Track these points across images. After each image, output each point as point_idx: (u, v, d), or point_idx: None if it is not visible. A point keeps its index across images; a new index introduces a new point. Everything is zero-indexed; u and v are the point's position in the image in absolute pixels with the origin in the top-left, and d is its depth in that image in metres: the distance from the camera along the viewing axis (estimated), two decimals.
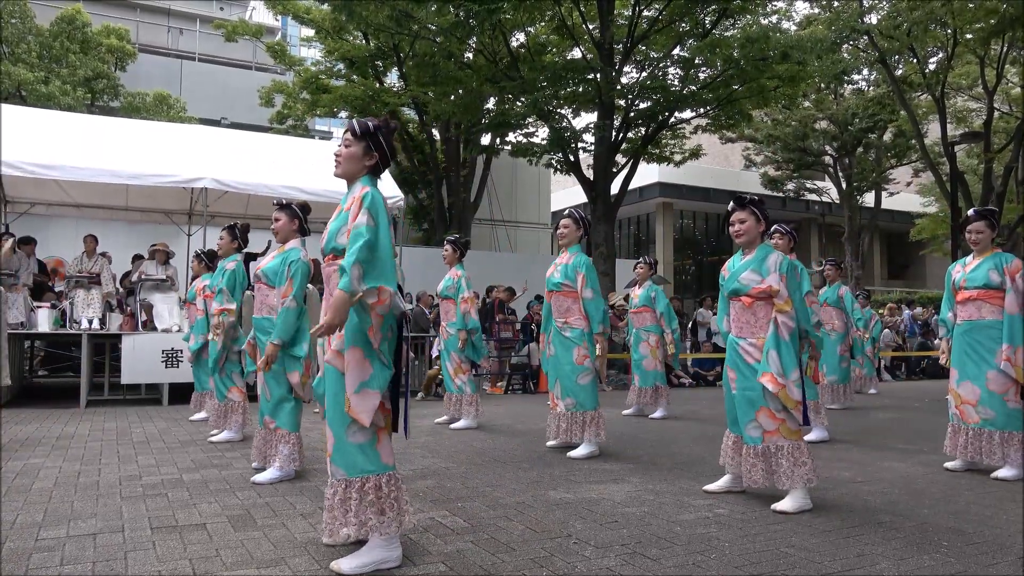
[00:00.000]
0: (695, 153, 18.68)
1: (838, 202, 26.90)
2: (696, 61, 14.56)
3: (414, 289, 12.44)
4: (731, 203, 3.84)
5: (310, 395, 3.72)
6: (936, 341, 5.16)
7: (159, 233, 10.82)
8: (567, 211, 5.35)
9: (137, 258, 10.18)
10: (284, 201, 4.41)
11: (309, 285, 4.34)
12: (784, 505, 3.58)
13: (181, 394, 8.20)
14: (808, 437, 6.04)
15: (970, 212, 4.75)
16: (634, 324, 8.23)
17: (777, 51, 13.61)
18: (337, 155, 2.85)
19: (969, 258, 4.74)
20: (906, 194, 29.42)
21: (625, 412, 7.97)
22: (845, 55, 17.83)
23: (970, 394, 4.55)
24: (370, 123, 2.84)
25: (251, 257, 11.53)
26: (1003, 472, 4.44)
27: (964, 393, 4.59)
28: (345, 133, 2.88)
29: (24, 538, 3.00)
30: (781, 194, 28.71)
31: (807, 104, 24.24)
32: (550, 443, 5.49)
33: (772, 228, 6.15)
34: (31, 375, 10.53)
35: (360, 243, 2.54)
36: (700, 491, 4.01)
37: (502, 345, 11.62)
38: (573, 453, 5.10)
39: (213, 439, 5.61)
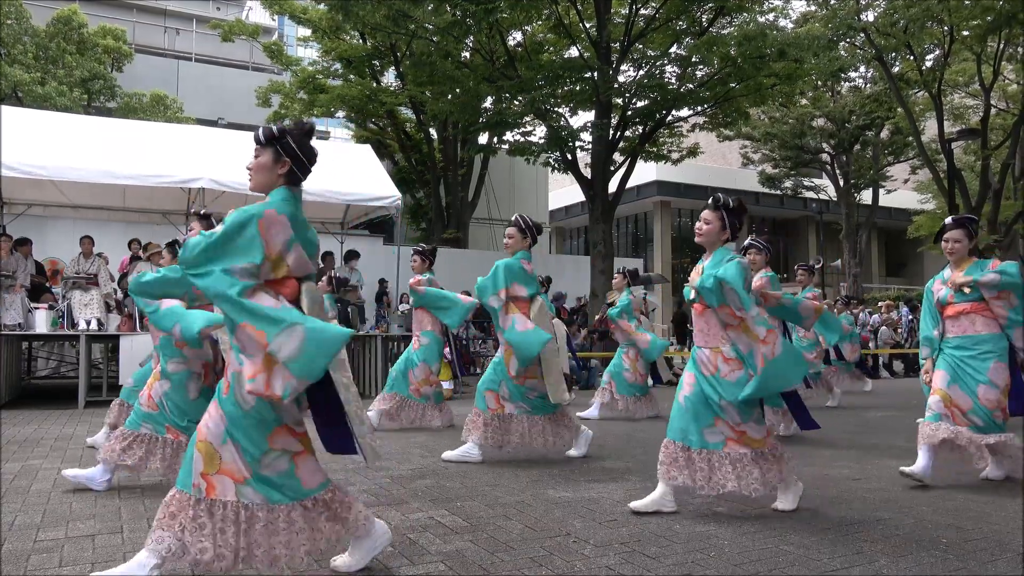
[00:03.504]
0: (693, 151, 18.68)
1: (836, 200, 26.92)
2: (693, 59, 14.56)
3: None
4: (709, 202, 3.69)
5: None
6: (921, 360, 4.81)
7: (156, 234, 10.80)
8: (514, 217, 5.15)
9: (135, 259, 10.17)
10: (202, 211, 4.42)
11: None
12: (782, 504, 3.56)
13: None
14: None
15: (947, 220, 4.50)
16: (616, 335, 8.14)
17: (774, 49, 13.61)
18: (248, 167, 2.62)
19: (947, 272, 4.45)
20: (903, 191, 29.45)
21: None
22: (842, 53, 17.82)
23: (962, 400, 4.23)
24: (275, 127, 2.62)
25: None
26: (991, 472, 4.31)
27: (955, 396, 4.25)
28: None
29: (23, 539, 2.99)
30: (779, 192, 28.73)
31: (804, 102, 24.26)
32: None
33: (747, 243, 6.01)
34: (29, 376, 10.51)
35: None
36: (698, 488, 4.01)
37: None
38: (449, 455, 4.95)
39: None
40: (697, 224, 3.63)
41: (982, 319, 4.28)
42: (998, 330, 4.23)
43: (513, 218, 5.15)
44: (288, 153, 2.57)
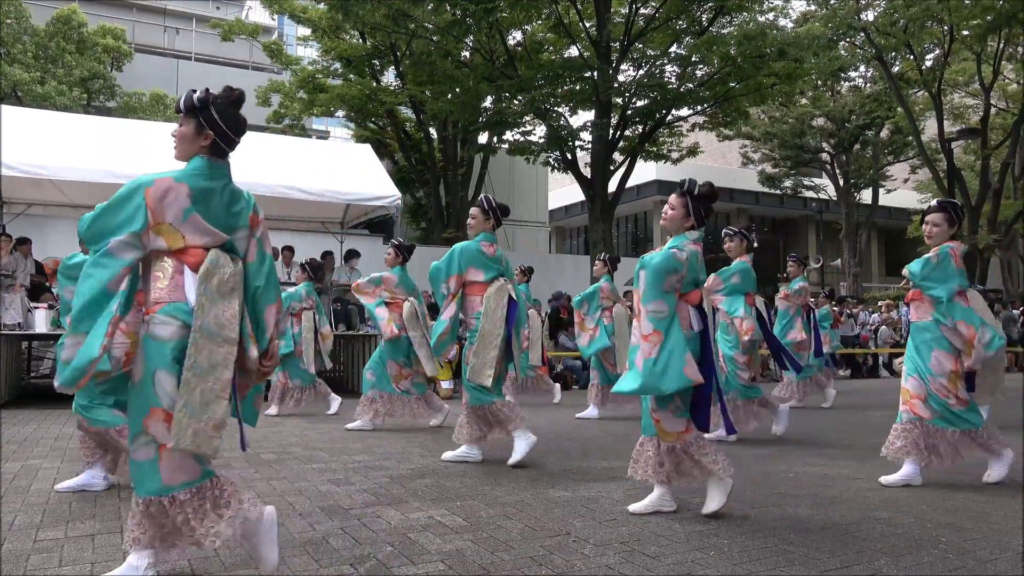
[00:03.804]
0: (692, 151, 18.71)
1: (835, 199, 26.93)
2: (693, 59, 14.58)
3: None
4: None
5: None
6: None
7: None
8: (479, 198, 5.00)
9: None
10: None
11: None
12: (708, 506, 3.42)
13: None
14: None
15: (932, 202, 4.43)
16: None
17: (774, 48, 13.63)
18: (173, 135, 2.54)
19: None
20: (903, 191, 29.45)
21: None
22: (842, 52, 17.86)
23: (918, 388, 4.24)
24: (197, 96, 2.50)
25: None
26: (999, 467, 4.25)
27: (911, 387, 4.27)
28: None
29: (22, 539, 2.99)
30: (778, 191, 28.72)
31: (804, 101, 24.28)
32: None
33: (723, 231, 6.03)
34: (29, 376, 10.51)
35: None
36: (698, 489, 4.00)
37: None
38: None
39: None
40: (664, 208, 3.55)
41: (924, 306, 4.25)
42: (932, 318, 4.20)
43: (480, 198, 5.03)
44: (211, 126, 2.48)
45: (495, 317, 4.66)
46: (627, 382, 3.37)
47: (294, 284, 9.65)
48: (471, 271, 4.77)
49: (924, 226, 4.31)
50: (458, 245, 4.85)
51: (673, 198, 3.51)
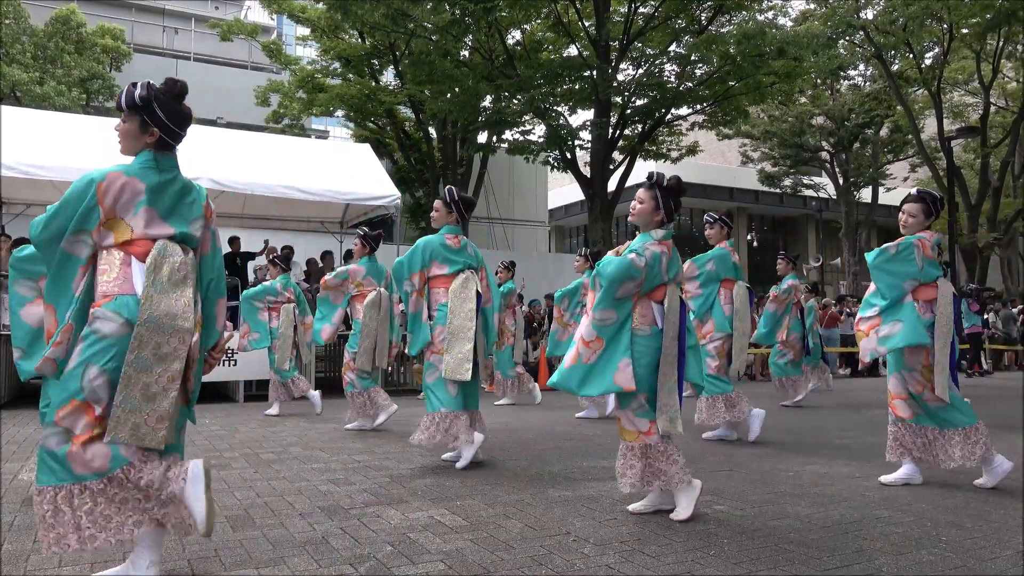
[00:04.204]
0: (692, 150, 18.70)
1: (835, 198, 26.95)
2: (692, 58, 14.58)
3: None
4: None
5: None
6: None
7: None
8: (443, 190, 4.88)
9: None
10: None
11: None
12: (677, 513, 3.32)
13: None
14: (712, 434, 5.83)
15: (911, 191, 4.32)
16: None
17: (773, 47, 13.63)
18: (116, 129, 2.50)
19: None
20: (903, 189, 29.40)
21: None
22: (841, 51, 17.86)
23: (898, 387, 4.15)
24: (139, 93, 2.44)
25: (248, 256, 11.54)
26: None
27: (891, 386, 4.19)
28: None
29: (22, 539, 2.99)
30: (778, 190, 28.72)
31: (804, 100, 24.29)
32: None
33: (704, 217, 5.95)
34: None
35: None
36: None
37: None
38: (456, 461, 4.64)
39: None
40: (632, 203, 3.47)
41: None
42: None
43: (444, 190, 4.93)
44: (155, 122, 2.44)
45: (463, 311, 4.59)
46: (554, 375, 3.37)
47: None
48: (435, 265, 4.73)
49: (900, 215, 4.23)
50: (422, 240, 4.79)
51: (641, 192, 3.43)
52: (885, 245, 4.19)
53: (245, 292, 7.74)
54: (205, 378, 2.74)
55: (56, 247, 2.37)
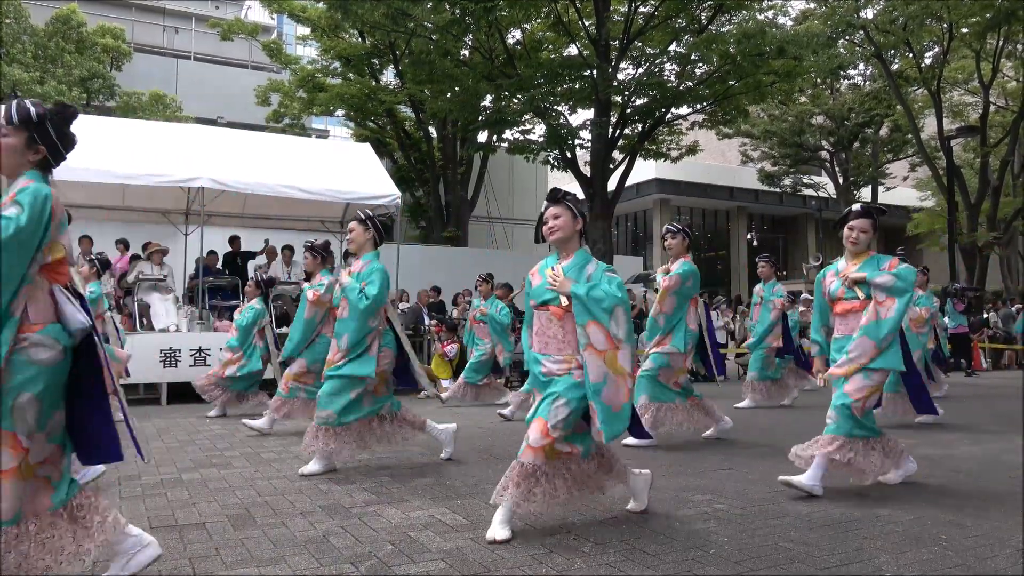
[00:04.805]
0: (692, 149, 18.70)
1: (835, 197, 26.95)
2: (692, 57, 14.57)
3: (412, 287, 12.45)
4: (546, 199, 3.42)
5: None
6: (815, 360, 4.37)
7: (156, 233, 10.80)
8: (357, 213, 4.69)
9: (135, 258, 10.18)
10: None
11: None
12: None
13: (179, 393, 8.20)
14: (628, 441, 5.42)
15: (854, 207, 4.09)
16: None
17: (773, 47, 13.63)
18: None
19: (842, 263, 4.10)
20: (903, 188, 29.47)
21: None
22: (841, 50, 17.85)
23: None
24: (34, 110, 2.34)
25: (248, 256, 11.53)
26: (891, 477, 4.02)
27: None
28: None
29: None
30: (778, 189, 28.72)
31: (803, 99, 24.29)
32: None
33: (664, 228, 5.81)
34: None
35: None
36: (699, 487, 4.01)
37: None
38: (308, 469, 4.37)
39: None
40: (546, 227, 3.32)
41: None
42: None
43: (357, 213, 4.75)
44: (45, 140, 2.36)
45: (399, 324, 4.73)
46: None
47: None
48: None
49: (848, 231, 4.00)
50: (379, 266, 4.53)
51: (556, 209, 3.33)
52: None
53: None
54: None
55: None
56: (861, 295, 3.92)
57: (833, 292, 4.06)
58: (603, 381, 3.03)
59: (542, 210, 3.42)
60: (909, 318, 6.99)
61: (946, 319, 12.00)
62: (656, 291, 5.77)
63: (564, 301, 3.15)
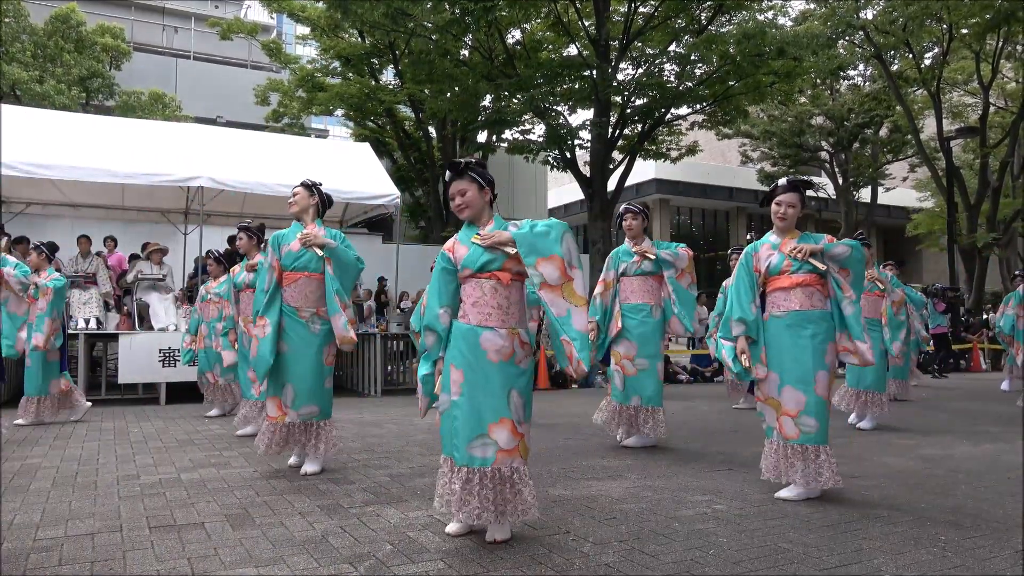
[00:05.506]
0: (692, 150, 18.71)
1: (835, 197, 26.94)
2: (692, 57, 14.57)
3: (411, 287, 12.44)
4: (447, 171, 3.20)
5: None
6: (724, 343, 4.06)
7: (155, 233, 10.80)
8: (303, 179, 4.57)
9: (134, 258, 10.18)
10: None
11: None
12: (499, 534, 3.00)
13: (179, 393, 8.20)
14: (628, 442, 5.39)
15: (780, 181, 3.95)
16: None
17: (773, 47, 13.63)
18: None
19: (772, 237, 4.00)
20: (902, 189, 29.47)
21: None
22: (841, 51, 17.86)
23: (792, 402, 3.76)
24: None
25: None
26: (786, 492, 3.78)
27: (786, 399, 3.77)
28: None
29: (22, 538, 2.99)
30: None
31: (803, 100, 24.28)
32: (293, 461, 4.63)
33: (623, 208, 5.48)
34: None
35: None
36: (698, 487, 4.01)
37: None
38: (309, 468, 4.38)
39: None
40: (454, 203, 3.09)
41: (819, 293, 3.84)
42: (828, 307, 3.85)
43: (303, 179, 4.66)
44: None
45: None
46: None
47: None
48: None
49: (776, 207, 3.91)
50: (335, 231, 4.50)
51: (461, 183, 3.09)
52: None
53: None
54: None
55: None
56: (821, 267, 3.82)
57: (775, 267, 3.90)
58: (567, 314, 2.95)
59: (447, 182, 3.19)
60: (891, 300, 7.02)
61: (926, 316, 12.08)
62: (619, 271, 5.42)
63: (511, 250, 2.94)
